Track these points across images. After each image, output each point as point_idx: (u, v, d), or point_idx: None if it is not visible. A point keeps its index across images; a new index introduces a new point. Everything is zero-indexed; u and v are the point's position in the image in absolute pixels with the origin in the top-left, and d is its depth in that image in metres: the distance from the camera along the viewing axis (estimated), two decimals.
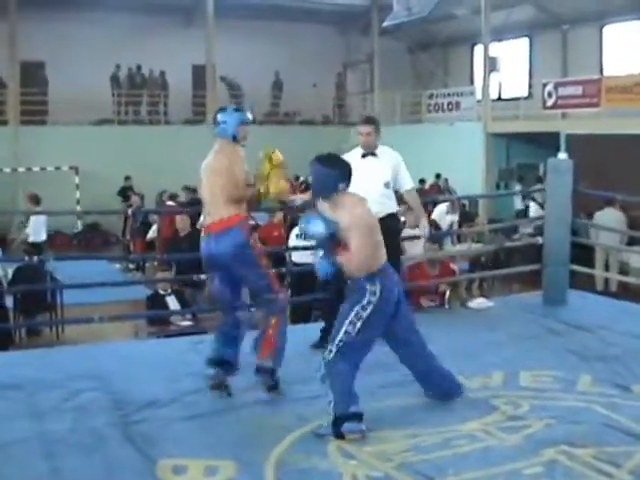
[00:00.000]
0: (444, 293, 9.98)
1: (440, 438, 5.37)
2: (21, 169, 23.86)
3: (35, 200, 15.97)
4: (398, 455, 5.11)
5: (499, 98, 27.27)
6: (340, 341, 5.52)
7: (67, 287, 11.90)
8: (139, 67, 27.53)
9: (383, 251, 5.68)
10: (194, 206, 17.09)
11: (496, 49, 26.28)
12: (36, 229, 16.15)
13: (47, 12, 24.84)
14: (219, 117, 6.43)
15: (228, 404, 6.17)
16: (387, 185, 7.64)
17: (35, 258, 10.82)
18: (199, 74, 27.62)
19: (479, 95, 25.32)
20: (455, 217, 16.39)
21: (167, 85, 27.75)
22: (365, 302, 5.50)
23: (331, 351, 5.53)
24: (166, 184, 20.26)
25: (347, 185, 5.61)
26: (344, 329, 5.51)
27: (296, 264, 12.00)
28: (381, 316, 5.59)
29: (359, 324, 5.50)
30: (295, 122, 29.12)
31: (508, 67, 27.61)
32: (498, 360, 7.01)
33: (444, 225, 15.55)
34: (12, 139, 24.07)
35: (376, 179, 7.54)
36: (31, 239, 15.98)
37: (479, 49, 26.97)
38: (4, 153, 23.65)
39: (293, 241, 12.83)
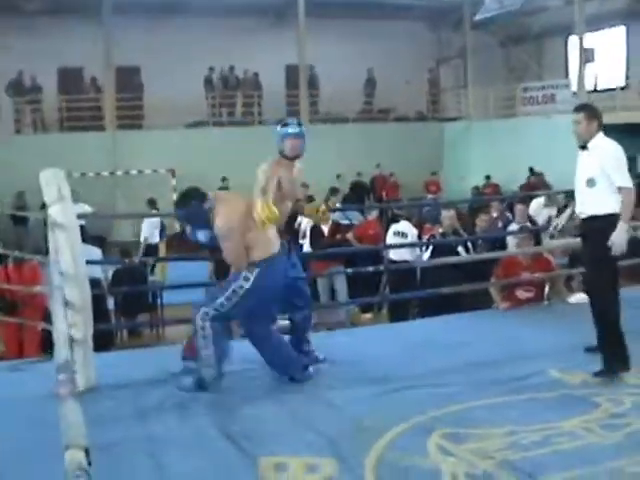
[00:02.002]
0: (542, 286, 9.90)
1: (540, 436, 5.32)
2: (119, 173, 24.31)
3: (151, 203, 16.37)
4: (498, 452, 5.08)
5: (595, 89, 26.78)
6: (215, 310, 6.35)
7: (166, 288, 12.10)
8: (232, 68, 27.77)
9: (268, 244, 6.46)
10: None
11: (591, 39, 25.85)
12: (150, 231, 16.57)
13: (141, 18, 25.22)
14: None
15: (327, 401, 6.22)
16: (590, 183, 6.67)
17: (138, 259, 11.03)
18: (292, 74, 27.76)
19: (575, 87, 24.96)
20: (553, 211, 16.16)
21: (261, 85, 27.93)
22: (237, 286, 6.35)
23: (207, 314, 6.35)
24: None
25: (204, 200, 6.51)
26: (220, 301, 6.37)
27: (393, 261, 12.00)
28: (259, 298, 6.39)
29: (234, 300, 6.35)
30: (389, 119, 29.05)
31: (604, 57, 27.11)
32: (599, 356, 6.91)
33: (540, 219, 15.35)
34: (110, 144, 24.52)
35: (581, 176, 6.82)
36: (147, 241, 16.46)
37: (573, 40, 26.59)
38: (102, 157, 24.11)
39: (390, 238, 12.85)
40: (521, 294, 9.68)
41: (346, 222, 14.83)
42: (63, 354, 4.11)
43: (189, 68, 25.91)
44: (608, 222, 6.54)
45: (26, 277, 9.53)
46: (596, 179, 6.61)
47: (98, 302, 7.62)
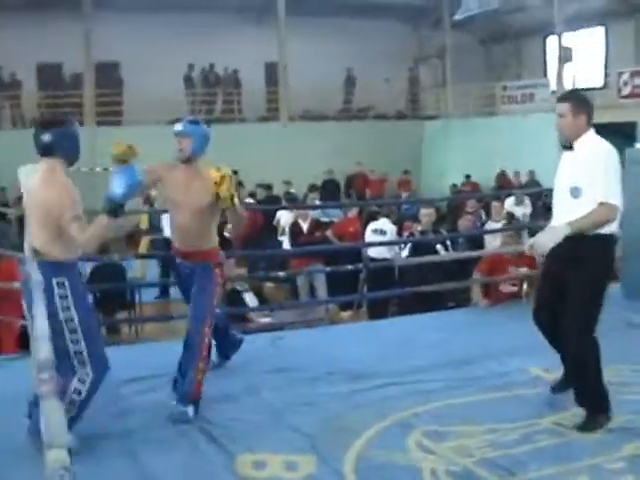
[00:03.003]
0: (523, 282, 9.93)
1: (519, 433, 5.34)
2: (98, 169, 24.20)
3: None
4: (478, 450, 5.10)
5: (574, 89, 26.89)
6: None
7: (145, 285, 12.04)
8: (212, 66, 27.70)
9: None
10: (270, 204, 17.31)
11: (570, 39, 25.95)
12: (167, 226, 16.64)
13: (121, 13, 25.05)
14: None
15: (306, 399, 6.21)
16: (575, 192, 5.32)
17: (116, 257, 10.99)
18: (272, 71, 27.73)
19: (553, 86, 25.05)
20: (526, 210, 16.24)
21: (240, 83, 27.89)
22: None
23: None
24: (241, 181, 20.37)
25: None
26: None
27: (372, 259, 12.00)
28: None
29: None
30: (369, 117, 29.07)
31: (582, 57, 27.21)
32: None
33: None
34: (89, 139, 24.32)
35: (563, 183, 5.51)
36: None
37: (552, 40, 26.68)
38: (82, 153, 23.99)
39: (369, 236, 12.86)
40: (505, 287, 9.70)
41: (325, 219, 14.84)
42: (44, 351, 4.07)
43: (169, 64, 25.78)
44: (601, 246, 5.41)
45: (4, 273, 9.46)
46: (582, 188, 5.29)
47: None
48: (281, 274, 12.12)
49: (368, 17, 28.15)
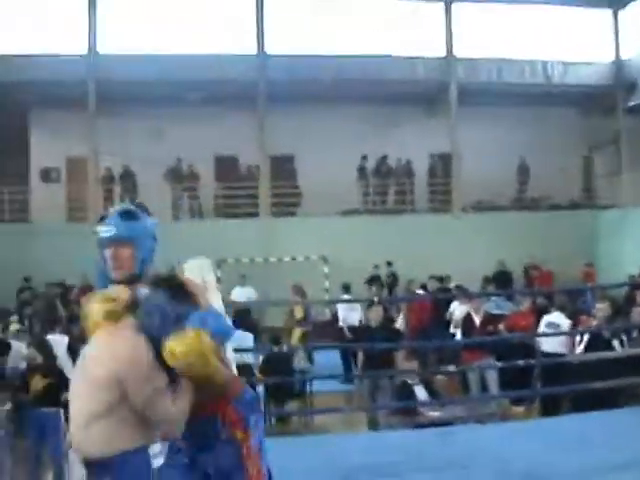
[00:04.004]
0: None
1: None
2: (272, 259, 24.72)
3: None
4: None
5: None
6: None
7: (316, 378, 12.17)
8: (384, 157, 27.99)
9: None
10: (442, 295, 17.31)
11: None
12: (345, 314, 17.08)
13: (294, 107, 25.67)
14: None
15: None
16: None
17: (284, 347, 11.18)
18: (444, 162, 27.83)
19: None
20: None
21: (413, 174, 28.07)
22: None
23: None
24: (413, 273, 20.48)
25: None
26: None
27: (545, 354, 11.81)
28: None
29: None
30: (542, 207, 28.68)
31: None
32: None
33: None
34: (264, 230, 25.00)
35: None
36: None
37: None
38: (256, 243, 24.59)
39: (543, 330, 12.66)
40: None
41: (498, 312, 14.69)
42: None
43: (342, 156, 26.26)
44: None
45: None
46: None
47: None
48: (452, 368, 12.07)
49: (539, 104, 28.01)
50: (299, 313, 16.97)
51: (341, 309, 17.97)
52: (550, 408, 11.34)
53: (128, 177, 25.85)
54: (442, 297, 16.51)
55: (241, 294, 20.28)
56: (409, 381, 10.66)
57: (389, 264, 23.61)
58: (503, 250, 24.68)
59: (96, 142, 24.68)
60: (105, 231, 4.28)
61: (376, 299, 15.01)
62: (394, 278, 23.38)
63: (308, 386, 13.02)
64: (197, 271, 5.54)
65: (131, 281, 4.26)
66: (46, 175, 27.16)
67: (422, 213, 27.22)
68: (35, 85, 24.02)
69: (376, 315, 12.19)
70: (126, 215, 4.32)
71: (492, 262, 24.17)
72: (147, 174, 25.46)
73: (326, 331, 18.96)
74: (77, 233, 22.72)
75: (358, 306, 17.40)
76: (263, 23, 25.64)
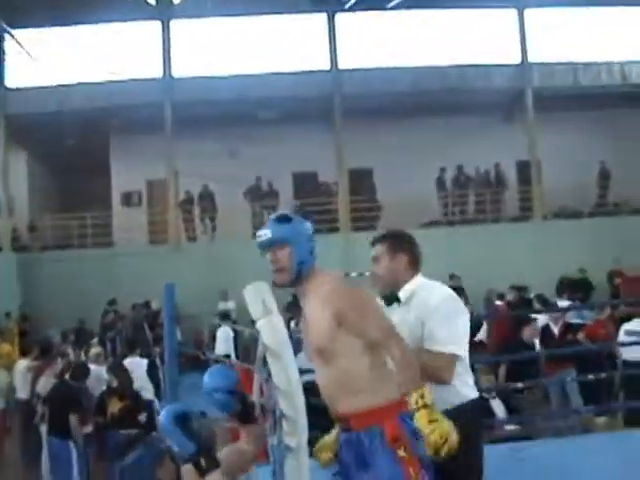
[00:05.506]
0: None
1: None
2: (353, 274, 24.62)
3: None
4: None
5: None
6: None
7: None
8: (460, 167, 27.76)
9: None
10: (522, 307, 17.00)
11: None
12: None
13: (370, 121, 25.64)
14: None
15: None
16: None
17: None
18: (524, 170, 27.54)
19: None
20: None
21: (492, 183, 27.84)
22: None
23: None
24: (493, 282, 20.22)
25: None
26: None
27: (627, 363, 11.54)
28: None
29: None
30: (624, 212, 28.13)
31: None
32: None
33: None
34: (344, 245, 24.95)
35: None
36: None
37: None
38: (337, 259, 24.54)
39: (622, 338, 12.36)
40: None
41: (578, 321, 14.40)
42: None
43: (420, 168, 26.16)
44: None
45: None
46: None
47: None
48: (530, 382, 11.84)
49: (617, 107, 27.54)
50: None
51: None
52: (635, 419, 11.04)
53: (207, 197, 26.15)
54: (520, 313, 16.23)
55: None
56: (485, 395, 10.47)
57: (451, 277, 23.24)
58: (586, 257, 24.24)
59: (174, 164, 25.03)
60: (261, 237, 4.52)
61: None
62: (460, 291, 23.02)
63: None
64: (255, 295, 5.48)
65: (291, 285, 4.55)
66: (127, 199, 27.60)
67: (503, 222, 26.94)
68: (114, 110, 24.47)
69: None
70: (280, 219, 4.53)
71: (574, 270, 23.74)
72: (225, 193, 25.74)
73: None
74: (159, 255, 23.08)
75: None
76: (335, 39, 25.71)
